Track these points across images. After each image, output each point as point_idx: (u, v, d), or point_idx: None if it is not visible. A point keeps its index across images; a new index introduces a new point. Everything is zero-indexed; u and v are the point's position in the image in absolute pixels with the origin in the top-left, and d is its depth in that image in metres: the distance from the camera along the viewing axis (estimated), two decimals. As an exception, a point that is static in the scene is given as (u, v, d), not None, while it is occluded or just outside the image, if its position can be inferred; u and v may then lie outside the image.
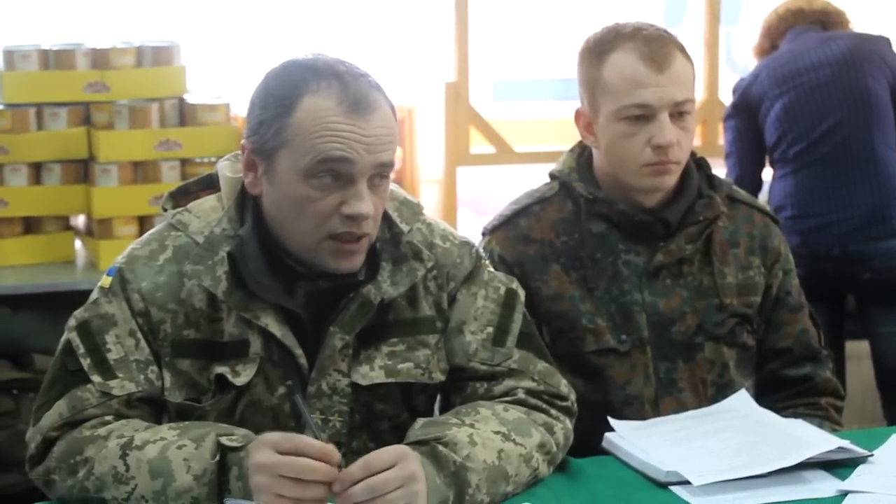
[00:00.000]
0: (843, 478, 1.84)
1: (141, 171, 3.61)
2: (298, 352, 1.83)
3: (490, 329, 1.93)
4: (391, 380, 1.88)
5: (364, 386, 1.86)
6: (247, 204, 1.86)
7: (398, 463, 1.63)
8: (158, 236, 1.88)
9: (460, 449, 1.72)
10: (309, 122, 1.73)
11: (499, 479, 1.75)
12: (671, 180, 2.20)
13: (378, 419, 1.89)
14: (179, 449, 1.69)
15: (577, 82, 2.25)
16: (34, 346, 3.49)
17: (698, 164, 2.29)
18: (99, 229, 3.58)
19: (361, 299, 1.84)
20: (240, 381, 1.82)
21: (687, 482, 1.82)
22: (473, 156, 4.28)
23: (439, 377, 1.92)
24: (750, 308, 2.27)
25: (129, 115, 3.57)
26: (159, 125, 3.61)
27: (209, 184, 1.95)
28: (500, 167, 4.37)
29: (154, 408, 1.83)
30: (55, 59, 3.63)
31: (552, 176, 2.32)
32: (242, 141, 1.83)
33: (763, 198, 3.70)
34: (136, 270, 1.84)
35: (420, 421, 1.80)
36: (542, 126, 4.40)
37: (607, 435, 2.01)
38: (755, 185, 3.71)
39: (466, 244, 1.98)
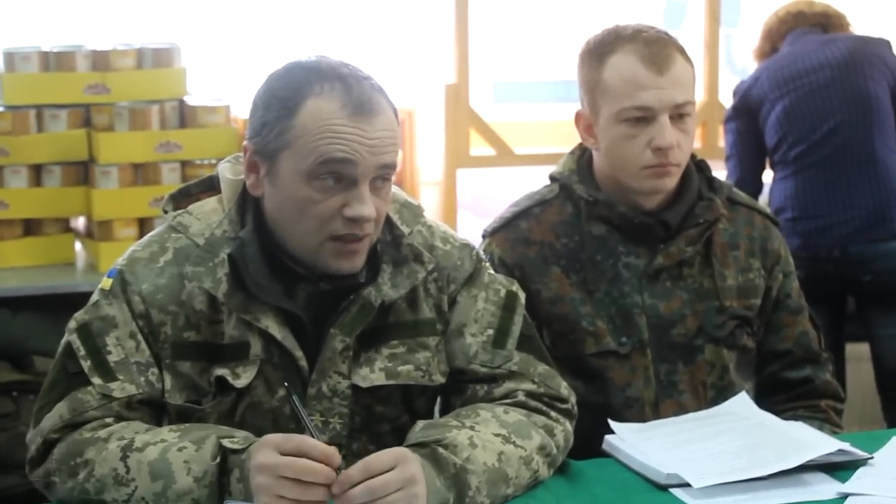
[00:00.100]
0: (844, 480, 1.84)
1: (141, 173, 3.61)
2: (299, 354, 1.83)
3: (490, 331, 1.93)
4: (391, 382, 1.88)
5: (364, 388, 1.86)
6: (248, 206, 1.86)
7: (398, 465, 1.63)
8: (159, 238, 1.88)
9: (460, 451, 1.72)
10: (312, 124, 1.74)
11: (499, 482, 1.75)
12: (671, 182, 2.21)
13: (378, 421, 1.89)
14: (180, 451, 1.69)
15: (578, 84, 2.25)
16: (34, 348, 3.49)
17: (698, 166, 2.29)
18: (99, 231, 3.58)
19: (362, 301, 1.84)
20: (240, 383, 1.82)
21: (687, 484, 1.81)
22: (473, 158, 4.28)
23: (439, 379, 1.92)
24: (750, 310, 2.27)
25: (130, 116, 3.57)
26: (159, 127, 3.61)
27: (210, 186, 1.95)
28: (501, 169, 4.37)
29: (154, 410, 1.83)
30: (55, 61, 3.63)
31: (552, 178, 2.32)
32: (244, 142, 1.82)
33: (763, 200, 3.70)
34: (136, 272, 1.84)
35: (420, 423, 1.80)
36: (542, 128, 4.40)
37: (607, 437, 2.01)
38: (755, 188, 3.72)
39: (467, 246, 1.98)
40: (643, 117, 2.15)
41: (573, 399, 1.96)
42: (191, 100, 3.68)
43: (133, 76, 3.64)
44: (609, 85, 2.17)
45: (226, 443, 1.68)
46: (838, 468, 1.87)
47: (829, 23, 3.77)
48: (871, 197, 3.54)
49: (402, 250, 1.89)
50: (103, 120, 3.60)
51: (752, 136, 3.71)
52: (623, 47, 2.17)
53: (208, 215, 1.88)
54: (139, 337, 1.82)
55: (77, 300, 1.97)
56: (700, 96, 4.32)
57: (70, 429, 1.78)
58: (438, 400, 1.98)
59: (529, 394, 1.90)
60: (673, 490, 1.82)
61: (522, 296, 1.99)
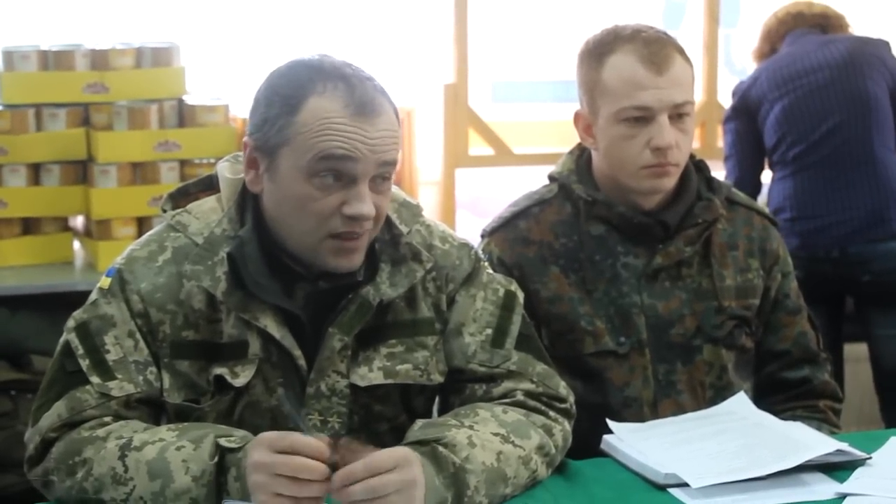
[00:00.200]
0: (842, 480, 1.84)
1: (140, 172, 3.61)
2: (297, 353, 1.83)
3: (489, 331, 1.93)
4: (390, 381, 1.88)
5: (363, 387, 1.86)
6: (247, 205, 1.86)
7: (399, 466, 1.62)
8: (158, 237, 1.88)
9: (459, 450, 1.72)
10: (313, 121, 1.74)
11: (497, 481, 1.75)
12: (670, 182, 2.21)
13: (377, 420, 1.89)
14: (178, 450, 1.69)
15: (577, 84, 2.25)
16: (33, 347, 3.49)
17: (697, 166, 2.29)
18: (98, 230, 3.58)
19: (360, 300, 1.84)
20: (238, 382, 1.82)
21: (685, 484, 1.82)
22: (472, 157, 4.28)
23: (438, 378, 1.92)
24: (748, 310, 2.27)
25: (128, 115, 3.57)
26: (158, 126, 3.61)
27: (209, 185, 1.95)
28: (499, 169, 4.37)
29: (153, 409, 1.83)
30: (54, 60, 3.63)
31: (551, 178, 2.32)
32: (245, 138, 1.83)
33: (762, 200, 3.70)
34: (135, 271, 1.84)
35: (419, 422, 1.80)
36: (541, 128, 4.40)
37: (606, 437, 2.01)
38: (754, 188, 3.72)
39: (465, 246, 1.98)
40: (642, 117, 2.15)
41: (572, 399, 1.96)
42: (190, 99, 3.68)
43: (132, 75, 3.64)
44: (608, 85, 2.17)
45: (223, 442, 1.68)
46: (837, 468, 1.87)
47: (828, 24, 3.77)
48: (870, 197, 3.55)
49: (401, 249, 1.89)
50: (102, 119, 3.60)
51: (751, 136, 3.71)
52: (622, 47, 2.17)
53: (207, 214, 1.88)
54: (138, 336, 1.82)
55: (75, 299, 1.97)
56: (699, 96, 4.32)
57: (68, 428, 1.78)
58: (437, 399, 1.98)
59: (528, 393, 1.90)
60: (671, 490, 1.82)
61: (521, 295, 1.99)
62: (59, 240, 3.67)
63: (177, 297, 1.82)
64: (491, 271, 2.00)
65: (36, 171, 3.61)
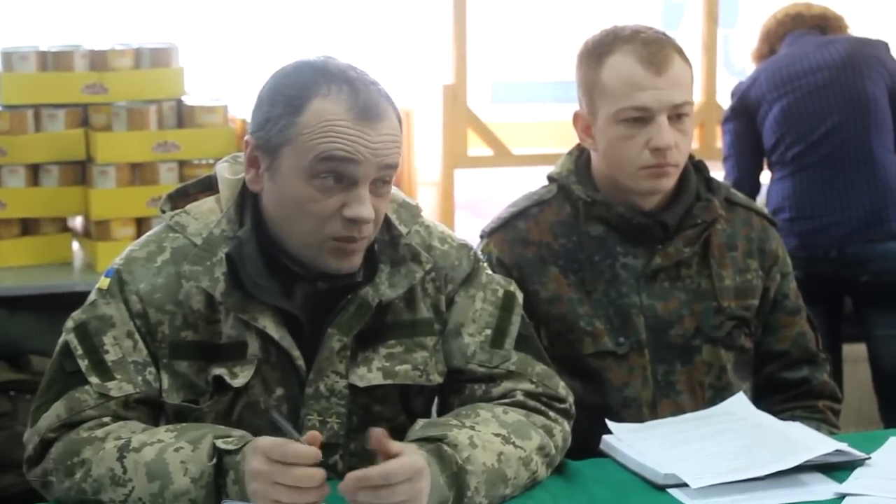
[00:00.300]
0: (841, 481, 1.84)
1: (139, 173, 3.61)
2: (296, 353, 1.83)
3: (488, 331, 1.93)
4: (389, 381, 1.88)
5: (362, 388, 1.86)
6: (246, 205, 1.86)
7: (412, 479, 1.62)
8: (156, 238, 1.88)
9: (461, 451, 1.72)
10: (316, 122, 1.74)
11: (497, 482, 1.75)
12: (669, 183, 2.21)
13: (376, 421, 1.88)
14: (177, 451, 1.69)
15: (576, 85, 2.25)
16: (31, 348, 3.49)
17: (696, 166, 2.30)
18: (96, 231, 3.58)
19: (359, 301, 1.84)
20: (237, 382, 1.82)
21: (685, 485, 1.82)
22: (471, 158, 4.28)
23: (437, 379, 1.92)
24: (748, 311, 2.27)
25: (127, 116, 3.57)
26: (157, 127, 3.61)
27: (208, 186, 1.95)
28: (498, 170, 4.37)
29: (152, 409, 1.83)
30: (53, 61, 3.63)
31: (550, 178, 2.32)
32: (246, 137, 1.83)
33: (761, 200, 3.70)
34: (134, 272, 1.84)
35: (420, 422, 1.80)
36: (540, 129, 4.40)
37: (605, 437, 2.01)
38: (753, 188, 3.72)
39: (465, 246, 1.98)
40: (641, 118, 2.15)
41: (571, 399, 1.96)
42: (189, 100, 3.68)
43: (131, 76, 3.64)
44: (607, 85, 2.17)
45: (220, 443, 1.68)
46: (836, 468, 1.87)
47: (827, 25, 3.77)
48: (869, 197, 3.55)
49: (400, 250, 1.89)
50: (101, 120, 3.59)
51: (750, 136, 3.71)
52: (621, 48, 2.17)
53: (206, 215, 1.88)
54: (136, 336, 1.82)
55: (74, 300, 1.97)
56: (698, 97, 4.32)
57: (67, 428, 1.78)
58: (436, 400, 1.98)
59: (528, 394, 1.90)
60: (670, 490, 1.82)
61: (520, 296, 1.99)
62: (58, 240, 3.67)
63: (175, 297, 1.82)
64: (490, 272, 2.00)
65: (35, 172, 3.61)
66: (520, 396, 1.89)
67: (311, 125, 1.74)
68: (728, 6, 4.62)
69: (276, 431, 1.69)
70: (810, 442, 1.92)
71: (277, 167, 1.77)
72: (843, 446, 1.90)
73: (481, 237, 2.31)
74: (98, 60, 3.63)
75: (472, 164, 4.30)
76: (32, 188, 3.61)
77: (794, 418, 2.19)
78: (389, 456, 1.62)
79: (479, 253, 2.06)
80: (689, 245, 2.23)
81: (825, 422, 2.27)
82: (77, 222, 3.77)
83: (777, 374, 2.31)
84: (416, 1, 4.33)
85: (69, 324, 1.85)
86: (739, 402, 2.13)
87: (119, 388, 1.80)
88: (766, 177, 3.78)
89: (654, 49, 2.15)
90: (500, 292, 1.97)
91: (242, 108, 3.60)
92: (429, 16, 4.31)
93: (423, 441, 1.72)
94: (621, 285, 2.22)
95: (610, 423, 2.04)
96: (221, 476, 1.67)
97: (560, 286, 2.22)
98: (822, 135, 3.58)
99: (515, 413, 1.85)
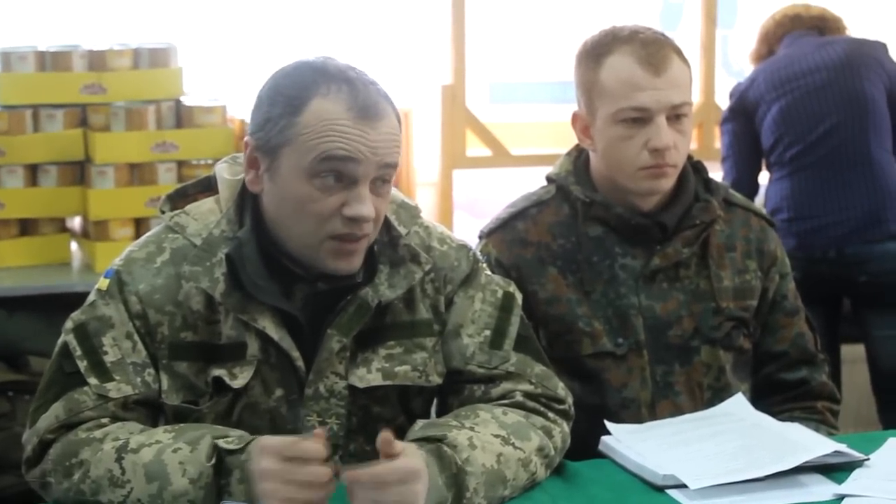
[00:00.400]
0: (840, 482, 1.84)
1: (137, 173, 3.61)
2: (296, 354, 1.83)
3: (487, 332, 1.93)
4: (388, 382, 1.88)
5: (361, 389, 1.86)
6: (246, 206, 1.86)
7: (406, 481, 1.62)
8: (156, 238, 1.88)
9: (460, 451, 1.72)
10: (316, 122, 1.74)
11: (497, 484, 1.75)
12: (668, 183, 2.21)
13: (375, 422, 1.88)
14: (175, 452, 1.69)
15: (574, 85, 2.25)
16: (30, 349, 3.49)
17: (695, 167, 2.30)
18: (95, 231, 3.57)
19: (359, 302, 1.84)
20: (237, 383, 1.82)
21: (684, 486, 1.82)
22: (470, 159, 4.28)
23: (436, 380, 1.92)
24: (746, 312, 2.27)
25: (126, 116, 3.56)
26: (156, 127, 3.60)
27: (207, 186, 1.95)
28: (497, 170, 4.37)
29: (150, 410, 1.83)
30: (52, 61, 3.62)
31: (549, 179, 2.32)
32: (245, 138, 1.83)
33: (759, 201, 3.70)
34: (133, 273, 1.84)
35: (420, 422, 1.80)
36: (538, 129, 4.40)
37: (604, 438, 2.01)
38: (752, 189, 3.72)
39: (464, 247, 1.98)
40: (640, 118, 2.15)
41: (570, 400, 1.96)
42: (187, 100, 3.67)
43: (129, 76, 3.63)
44: (606, 86, 2.17)
45: (221, 443, 1.68)
46: (835, 469, 1.87)
47: (825, 26, 3.77)
48: (867, 198, 3.55)
49: (400, 251, 1.89)
50: (99, 120, 3.59)
51: (749, 137, 3.72)
52: (620, 48, 2.17)
53: (205, 215, 1.88)
54: (136, 337, 1.82)
55: (73, 300, 1.97)
56: (696, 97, 4.32)
57: (66, 429, 1.78)
58: (435, 401, 1.98)
59: (527, 394, 1.90)
60: (669, 491, 1.82)
61: (519, 296, 1.99)
62: (57, 241, 3.66)
63: (175, 298, 1.82)
64: (489, 273, 2.00)
65: (33, 172, 3.61)
66: (519, 397, 1.89)
67: (310, 125, 1.74)
68: (727, 7, 4.62)
69: (276, 431, 1.69)
70: (809, 443, 1.92)
71: (277, 168, 1.78)
72: (842, 447, 1.90)
73: (480, 238, 2.31)
74: (96, 60, 3.63)
75: (471, 164, 4.30)
76: (31, 188, 3.60)
77: (792, 419, 2.19)
78: (389, 457, 1.62)
79: (478, 254, 2.06)
80: (688, 246, 2.23)
81: (824, 423, 2.27)
82: (75, 222, 3.76)
83: (776, 375, 2.31)
84: (415, 1, 4.33)
85: (68, 324, 1.85)
86: (738, 403, 2.13)
87: (118, 389, 1.79)
88: (764, 177, 3.78)
89: (653, 49, 2.15)
90: (500, 293, 1.97)
91: (241, 109, 3.60)
92: (427, 16, 4.31)
93: (423, 441, 1.72)
94: (620, 286, 2.22)
95: (609, 424, 2.04)
96: (224, 476, 1.67)
97: (559, 287, 2.22)
98: (820, 135, 3.58)
99: (515, 414, 1.85)
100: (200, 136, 3.62)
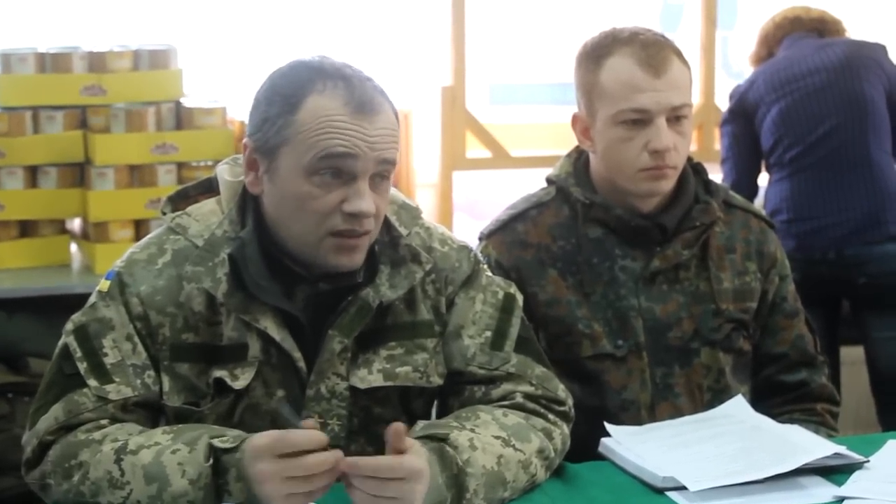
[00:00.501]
0: (840, 484, 1.84)
1: (137, 175, 3.61)
2: (297, 355, 1.83)
3: (488, 333, 1.93)
4: (389, 383, 1.88)
5: (362, 389, 1.86)
6: (247, 206, 1.86)
7: (406, 479, 1.62)
8: (157, 240, 1.88)
9: (461, 452, 1.72)
10: (313, 119, 1.75)
11: (497, 485, 1.75)
12: (668, 185, 2.21)
13: (376, 423, 1.88)
14: (173, 453, 1.69)
15: (575, 87, 2.25)
16: (30, 350, 3.49)
17: (695, 169, 2.30)
18: (95, 233, 3.58)
19: (360, 302, 1.84)
20: (238, 384, 1.82)
21: (683, 488, 1.81)
22: (470, 160, 4.28)
23: (437, 381, 1.92)
24: (746, 313, 2.27)
25: (126, 118, 3.57)
26: (156, 129, 3.61)
27: (208, 187, 1.95)
28: (497, 172, 4.37)
29: (150, 412, 1.83)
30: (51, 63, 3.62)
31: (549, 181, 2.32)
32: (244, 140, 1.83)
33: (759, 202, 3.70)
34: (134, 274, 1.84)
35: (420, 423, 1.80)
36: (538, 130, 4.41)
37: (604, 440, 2.01)
38: (751, 191, 3.73)
39: (465, 248, 1.99)
40: (640, 120, 2.15)
41: (570, 402, 1.96)
42: (187, 101, 3.68)
43: (129, 78, 3.64)
44: (606, 87, 2.17)
45: (216, 443, 1.68)
46: (834, 472, 1.87)
47: (825, 28, 3.78)
48: (866, 199, 3.55)
49: (400, 251, 1.89)
50: (99, 121, 3.59)
51: (748, 138, 3.72)
52: (620, 50, 2.17)
53: (207, 217, 1.88)
54: (136, 339, 1.82)
55: (73, 302, 1.97)
56: (696, 99, 4.32)
57: (65, 431, 1.78)
58: (435, 402, 1.98)
59: (527, 396, 1.90)
60: (669, 493, 1.82)
61: (520, 298, 1.99)
62: (57, 242, 3.67)
63: (176, 299, 1.82)
64: (490, 274, 2.00)
65: (33, 174, 3.61)
66: (519, 399, 1.89)
67: (308, 123, 1.75)
68: (726, 8, 4.62)
69: (278, 427, 1.68)
70: (809, 445, 1.92)
71: (276, 168, 1.78)
72: (842, 449, 1.90)
73: (480, 239, 2.31)
74: (96, 62, 3.63)
75: (471, 166, 4.30)
76: (31, 190, 3.60)
77: (792, 421, 2.19)
78: (397, 451, 1.62)
79: (479, 255, 2.06)
80: (688, 247, 2.23)
81: (823, 424, 2.27)
82: (75, 224, 3.76)
83: (775, 377, 2.31)
84: (415, 3, 4.33)
85: (69, 326, 1.85)
86: (738, 405, 2.13)
87: (117, 391, 1.79)
88: (764, 179, 3.79)
89: (653, 51, 2.16)
90: (501, 294, 1.97)
91: (241, 110, 3.60)
92: (427, 17, 4.31)
93: (426, 439, 1.72)
94: (620, 288, 2.22)
95: (608, 426, 2.04)
96: (221, 475, 1.66)
97: (558, 288, 2.22)
98: (819, 137, 3.59)
99: (515, 416, 1.85)
100: (200, 137, 3.62)
